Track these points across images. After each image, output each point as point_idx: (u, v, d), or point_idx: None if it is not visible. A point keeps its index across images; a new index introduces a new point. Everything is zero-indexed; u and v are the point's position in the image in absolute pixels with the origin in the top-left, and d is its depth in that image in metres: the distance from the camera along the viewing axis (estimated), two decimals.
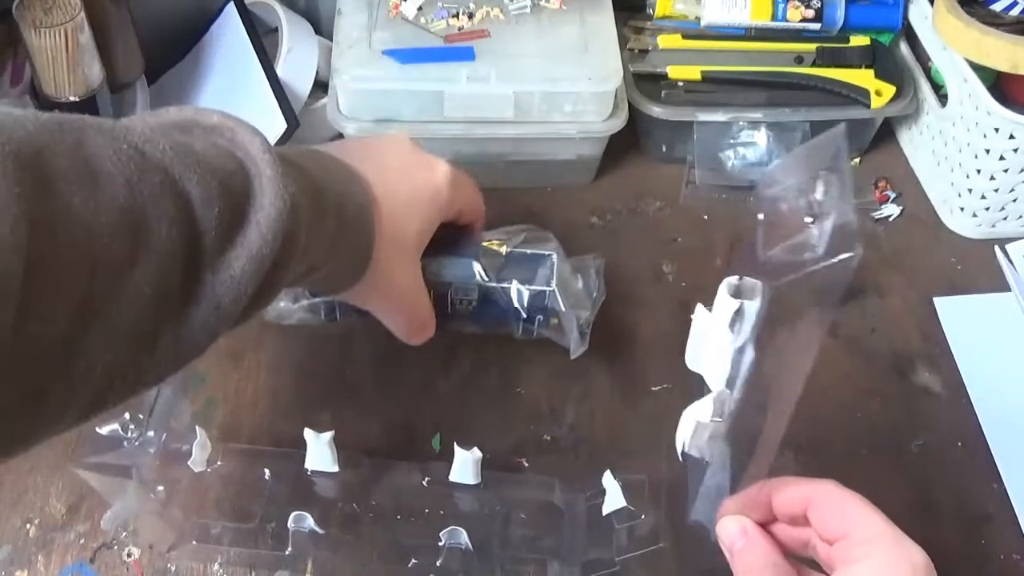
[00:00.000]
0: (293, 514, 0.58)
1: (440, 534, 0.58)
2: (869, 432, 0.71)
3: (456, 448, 0.60)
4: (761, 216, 0.46)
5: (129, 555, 0.62)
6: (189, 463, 0.60)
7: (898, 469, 0.69)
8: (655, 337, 0.76)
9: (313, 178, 0.46)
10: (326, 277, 0.51)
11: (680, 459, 0.51)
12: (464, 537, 0.58)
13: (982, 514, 0.67)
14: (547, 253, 0.69)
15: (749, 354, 0.46)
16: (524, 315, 0.68)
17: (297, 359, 0.72)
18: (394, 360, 0.73)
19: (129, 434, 0.57)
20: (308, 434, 0.60)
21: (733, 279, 0.46)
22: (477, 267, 0.68)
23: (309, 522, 0.58)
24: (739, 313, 0.46)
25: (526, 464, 0.68)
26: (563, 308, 0.67)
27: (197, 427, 0.61)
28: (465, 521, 0.59)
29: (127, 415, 0.57)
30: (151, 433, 0.58)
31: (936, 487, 0.68)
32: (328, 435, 0.60)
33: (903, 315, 0.79)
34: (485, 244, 0.69)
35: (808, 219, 0.44)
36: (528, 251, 0.69)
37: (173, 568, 0.61)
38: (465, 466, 0.60)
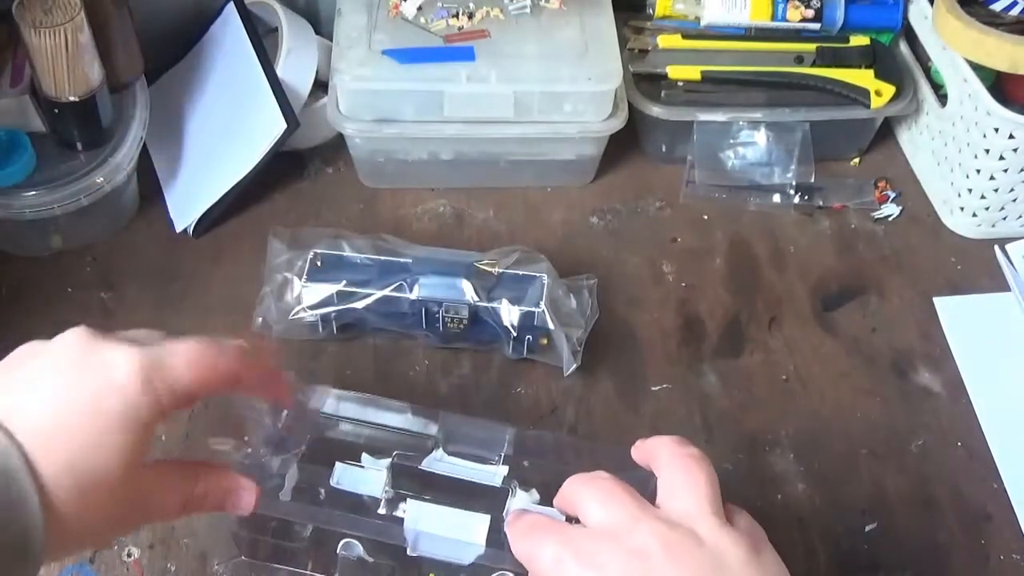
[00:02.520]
0: (343, 541, 0.56)
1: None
2: (869, 432, 0.71)
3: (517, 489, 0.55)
4: None
5: (129, 555, 0.62)
6: (280, 495, 0.55)
7: (898, 469, 0.69)
8: (655, 337, 0.76)
9: None
10: None
11: None
12: None
13: (982, 514, 0.67)
14: (538, 274, 0.70)
15: None
16: (515, 334, 0.69)
17: (298, 361, 0.72)
18: (394, 361, 0.73)
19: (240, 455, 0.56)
20: (365, 459, 0.57)
21: None
22: (468, 287, 0.69)
23: (358, 550, 0.56)
24: None
25: (526, 464, 0.67)
26: (553, 327, 0.68)
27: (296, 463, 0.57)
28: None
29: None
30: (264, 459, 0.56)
31: (936, 487, 0.68)
32: (385, 463, 0.56)
33: (903, 315, 0.79)
34: (477, 264, 0.71)
35: None
36: (519, 272, 0.71)
37: (173, 568, 0.61)
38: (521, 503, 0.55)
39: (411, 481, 0.55)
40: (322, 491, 0.55)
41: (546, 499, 0.53)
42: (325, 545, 0.57)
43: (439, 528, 0.53)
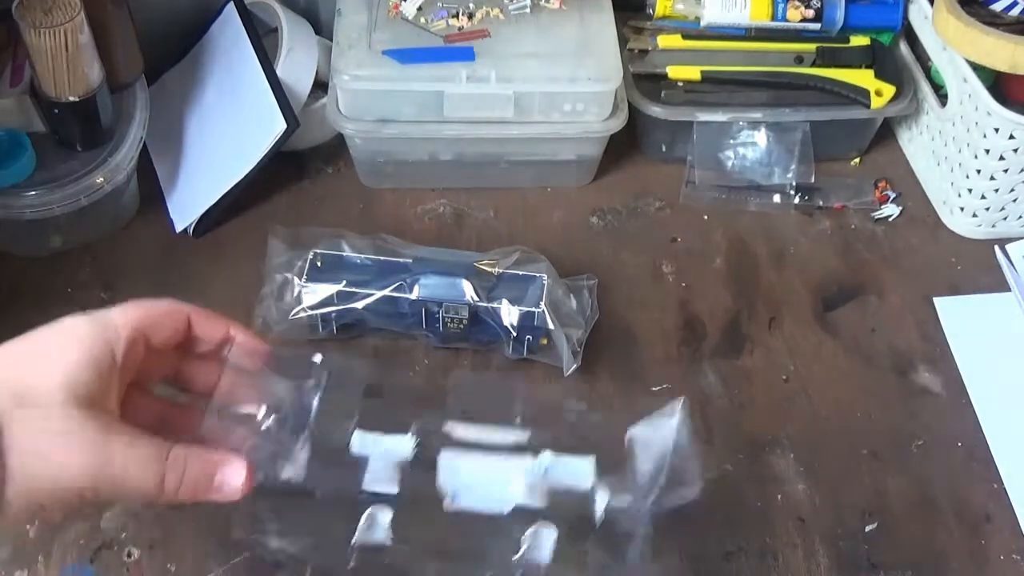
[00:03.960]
0: (367, 512, 0.54)
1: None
2: (869, 432, 0.71)
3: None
4: None
5: (129, 555, 0.62)
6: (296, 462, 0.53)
7: (898, 469, 0.69)
8: (655, 337, 0.76)
9: None
10: None
11: None
12: None
13: (982, 514, 0.67)
14: (538, 275, 0.70)
15: None
16: (515, 334, 0.69)
17: None
18: (394, 361, 0.73)
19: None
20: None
21: None
22: (468, 287, 0.69)
23: (385, 518, 0.54)
24: None
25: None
26: (553, 327, 0.68)
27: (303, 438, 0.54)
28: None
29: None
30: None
31: (936, 487, 0.68)
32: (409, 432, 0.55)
33: (903, 315, 0.79)
34: (477, 265, 0.71)
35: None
36: (519, 272, 0.71)
37: (173, 568, 0.61)
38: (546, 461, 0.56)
39: (435, 442, 0.54)
40: (342, 456, 0.53)
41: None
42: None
43: (477, 479, 0.52)
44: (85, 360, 0.44)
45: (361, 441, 0.54)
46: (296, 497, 0.54)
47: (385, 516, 0.54)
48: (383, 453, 0.54)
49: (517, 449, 0.55)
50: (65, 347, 0.44)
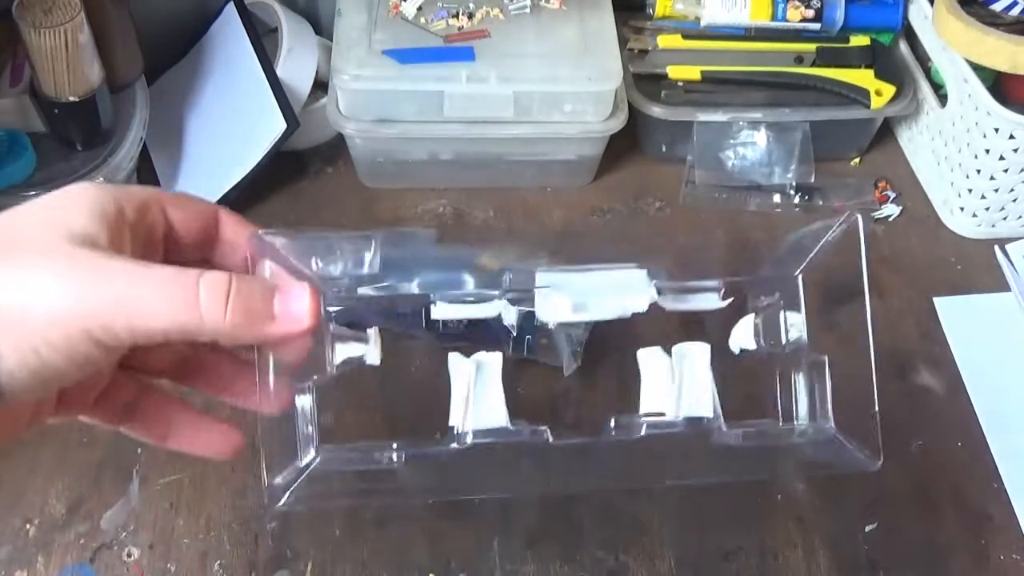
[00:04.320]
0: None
1: None
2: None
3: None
4: None
5: (129, 555, 0.62)
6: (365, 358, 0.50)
7: (898, 469, 0.69)
8: (655, 337, 0.76)
9: None
10: None
11: None
12: None
13: (982, 514, 0.67)
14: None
15: None
16: (515, 334, 0.69)
17: None
18: (394, 361, 0.73)
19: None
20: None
21: None
22: (468, 284, 0.69)
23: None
24: None
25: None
26: (553, 327, 0.68)
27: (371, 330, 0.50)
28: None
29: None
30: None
31: (936, 487, 0.68)
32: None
33: (903, 315, 0.79)
34: (477, 262, 0.70)
35: None
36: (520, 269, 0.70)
37: (173, 568, 0.61)
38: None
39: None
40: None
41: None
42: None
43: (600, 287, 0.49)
44: (88, 209, 0.35)
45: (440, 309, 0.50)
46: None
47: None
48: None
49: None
50: (62, 199, 0.36)
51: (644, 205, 0.86)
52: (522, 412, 0.70)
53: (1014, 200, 0.82)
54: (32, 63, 0.71)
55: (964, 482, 0.69)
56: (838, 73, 0.85)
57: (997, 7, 0.82)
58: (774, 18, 0.87)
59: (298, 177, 0.86)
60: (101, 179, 0.74)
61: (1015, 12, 0.81)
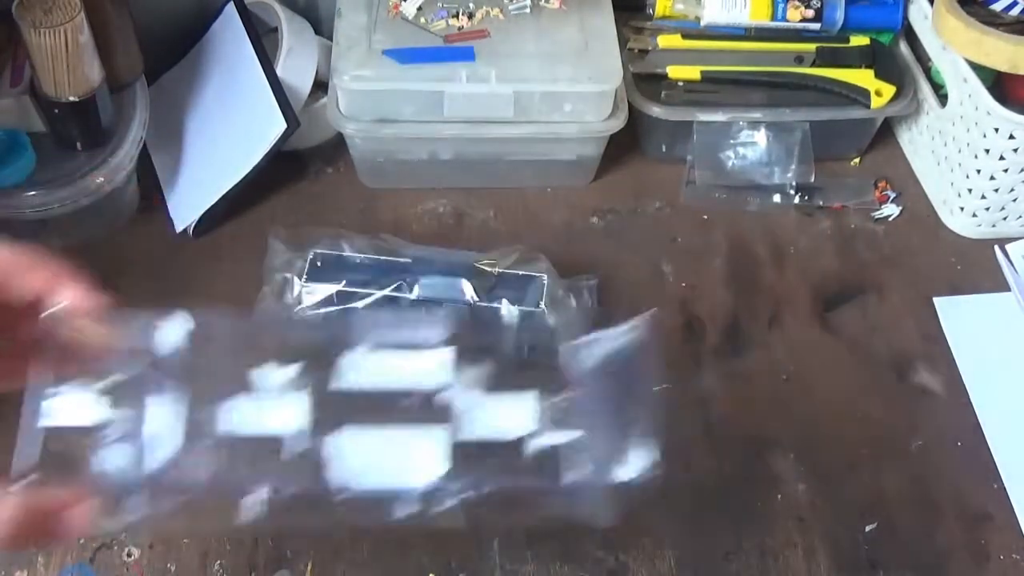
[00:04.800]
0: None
1: None
2: (869, 432, 0.71)
3: None
4: None
5: (129, 555, 0.62)
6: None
7: (898, 469, 0.69)
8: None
9: None
10: None
11: None
12: None
13: (982, 514, 0.67)
14: (538, 275, 0.70)
15: None
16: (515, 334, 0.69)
17: None
18: None
19: None
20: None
21: None
22: (468, 287, 0.69)
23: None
24: None
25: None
26: (553, 327, 0.68)
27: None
28: None
29: None
30: None
31: (936, 487, 0.68)
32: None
33: (903, 315, 0.79)
34: (477, 264, 0.71)
35: None
36: (519, 272, 0.71)
37: (173, 568, 0.61)
38: None
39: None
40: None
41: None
42: None
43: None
44: None
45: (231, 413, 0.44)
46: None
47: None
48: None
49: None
50: None
51: (644, 205, 0.86)
52: None
53: (1014, 200, 0.82)
54: (32, 63, 0.71)
55: (964, 482, 0.69)
56: (838, 73, 0.85)
57: (997, 7, 0.82)
58: (774, 18, 0.87)
59: (298, 177, 0.86)
60: (101, 179, 0.74)
61: (1015, 12, 0.81)
